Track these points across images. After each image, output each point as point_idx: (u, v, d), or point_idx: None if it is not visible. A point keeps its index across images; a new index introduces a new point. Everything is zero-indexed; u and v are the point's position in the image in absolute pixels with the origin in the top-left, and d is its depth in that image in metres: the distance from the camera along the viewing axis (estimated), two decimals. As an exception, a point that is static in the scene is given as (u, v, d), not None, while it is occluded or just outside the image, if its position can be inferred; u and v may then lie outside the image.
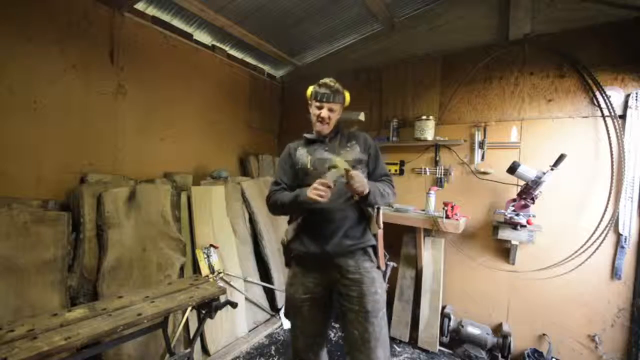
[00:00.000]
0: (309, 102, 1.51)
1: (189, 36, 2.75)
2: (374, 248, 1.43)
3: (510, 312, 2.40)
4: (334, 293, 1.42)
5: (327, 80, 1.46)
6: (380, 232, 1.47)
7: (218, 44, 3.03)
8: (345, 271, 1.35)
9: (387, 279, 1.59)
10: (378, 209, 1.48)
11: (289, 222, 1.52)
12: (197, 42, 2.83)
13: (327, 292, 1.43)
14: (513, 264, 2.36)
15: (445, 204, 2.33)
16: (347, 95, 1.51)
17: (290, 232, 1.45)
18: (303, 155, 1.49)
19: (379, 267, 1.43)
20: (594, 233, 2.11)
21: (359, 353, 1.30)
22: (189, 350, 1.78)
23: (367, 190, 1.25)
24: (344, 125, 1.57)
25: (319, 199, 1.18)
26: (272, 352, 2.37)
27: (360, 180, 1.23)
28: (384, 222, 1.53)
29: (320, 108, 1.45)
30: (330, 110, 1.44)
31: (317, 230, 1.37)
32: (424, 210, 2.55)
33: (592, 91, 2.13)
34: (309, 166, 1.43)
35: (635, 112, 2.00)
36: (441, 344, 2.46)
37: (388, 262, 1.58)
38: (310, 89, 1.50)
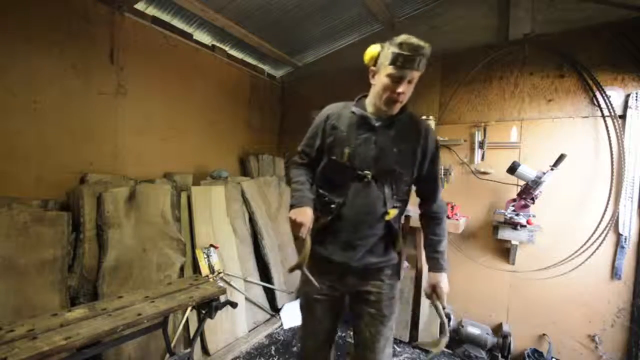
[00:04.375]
0: (373, 68, 1.17)
1: (189, 36, 2.75)
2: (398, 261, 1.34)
3: (510, 312, 2.40)
4: (349, 296, 1.36)
5: (413, 38, 1.04)
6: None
7: (218, 44, 3.03)
8: (366, 278, 1.29)
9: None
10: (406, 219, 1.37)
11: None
12: (197, 42, 2.83)
13: (342, 295, 1.35)
14: (513, 264, 2.36)
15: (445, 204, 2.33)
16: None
17: (313, 232, 1.23)
18: (343, 140, 1.19)
19: (398, 277, 1.35)
20: (594, 233, 2.11)
21: (369, 352, 1.31)
22: (189, 350, 1.79)
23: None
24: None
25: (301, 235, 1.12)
26: (272, 352, 2.37)
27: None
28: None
29: (399, 79, 1.07)
30: (410, 82, 1.10)
31: (342, 238, 1.24)
32: (424, 210, 2.54)
33: (592, 91, 2.13)
34: (344, 159, 1.17)
35: (635, 112, 2.00)
36: (441, 344, 2.46)
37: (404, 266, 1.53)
38: (377, 51, 1.13)
